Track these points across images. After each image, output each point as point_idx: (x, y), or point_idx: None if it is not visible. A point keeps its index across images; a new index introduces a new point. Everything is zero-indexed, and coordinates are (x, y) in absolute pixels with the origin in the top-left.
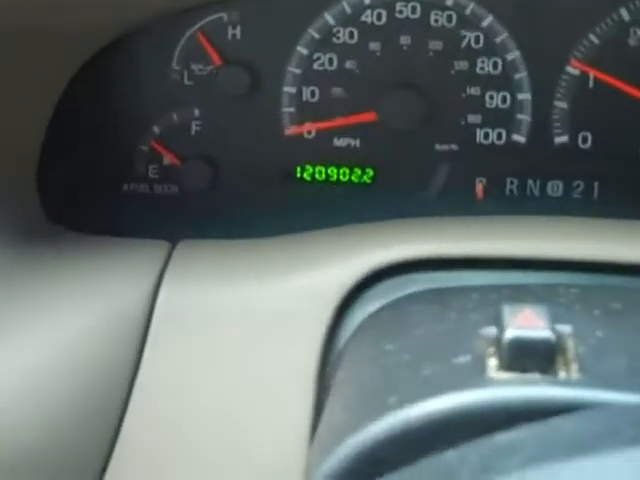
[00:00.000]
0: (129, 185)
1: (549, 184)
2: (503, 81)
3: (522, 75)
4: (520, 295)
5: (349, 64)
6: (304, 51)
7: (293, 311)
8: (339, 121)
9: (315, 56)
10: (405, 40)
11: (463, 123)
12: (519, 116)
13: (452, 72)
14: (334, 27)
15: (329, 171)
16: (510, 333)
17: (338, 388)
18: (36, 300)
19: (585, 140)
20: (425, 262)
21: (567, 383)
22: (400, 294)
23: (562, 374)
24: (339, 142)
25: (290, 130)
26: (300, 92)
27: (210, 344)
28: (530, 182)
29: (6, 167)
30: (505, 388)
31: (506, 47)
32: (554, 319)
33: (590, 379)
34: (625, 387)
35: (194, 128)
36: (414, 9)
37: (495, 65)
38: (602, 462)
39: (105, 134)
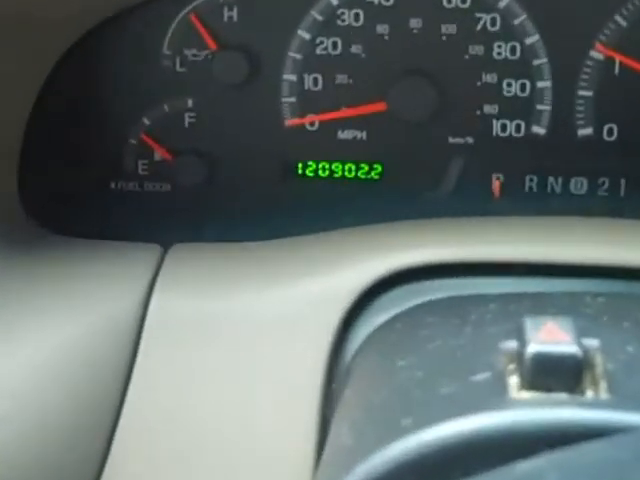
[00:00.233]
0: (117, 183)
1: (572, 181)
2: (522, 67)
3: (542, 61)
4: (542, 305)
5: (355, 49)
6: (306, 35)
7: (296, 321)
8: (344, 112)
9: (318, 40)
10: (416, 23)
11: (478, 114)
12: (539, 106)
13: (466, 58)
14: (338, 8)
15: (333, 167)
16: (532, 348)
17: (345, 407)
18: (19, 309)
19: (611, 132)
20: (438, 268)
21: (595, 404)
22: (412, 303)
23: (590, 394)
24: (344, 135)
25: (291, 122)
26: (302, 80)
27: (206, 357)
28: (551, 179)
29: None
30: (527, 410)
31: (525, 30)
32: (580, 332)
33: (620, 400)
34: None
35: (187, 120)
36: None
37: (513, 50)
38: None
39: (90, 127)
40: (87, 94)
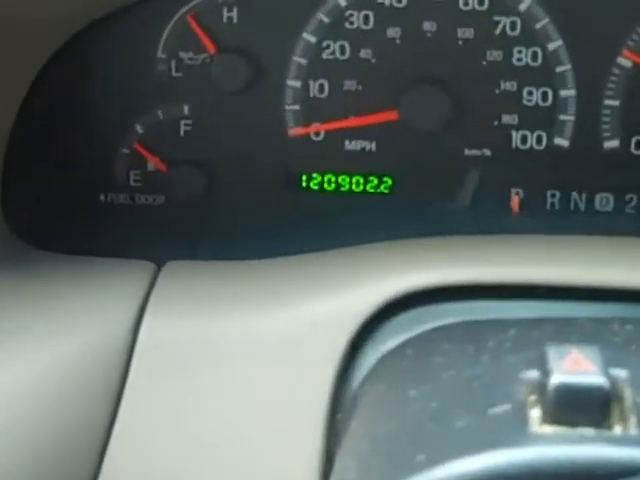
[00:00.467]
0: (107, 195)
1: (597, 197)
2: (544, 75)
3: (566, 68)
4: (566, 332)
5: (364, 54)
6: (311, 38)
7: (298, 346)
8: (352, 121)
9: (324, 44)
10: (430, 26)
11: (496, 124)
12: (562, 116)
13: (484, 64)
14: (347, 10)
15: (340, 180)
16: (556, 379)
17: (351, 439)
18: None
19: (639, 145)
20: (453, 290)
21: (624, 440)
22: (424, 328)
23: (618, 429)
24: (352, 146)
25: (295, 131)
26: (307, 86)
27: (200, 383)
28: (574, 194)
29: None
30: (550, 446)
31: (547, 35)
32: (608, 362)
33: None
34: None
35: (183, 128)
36: None
37: (534, 56)
38: None
39: (79, 135)
40: (75, 100)
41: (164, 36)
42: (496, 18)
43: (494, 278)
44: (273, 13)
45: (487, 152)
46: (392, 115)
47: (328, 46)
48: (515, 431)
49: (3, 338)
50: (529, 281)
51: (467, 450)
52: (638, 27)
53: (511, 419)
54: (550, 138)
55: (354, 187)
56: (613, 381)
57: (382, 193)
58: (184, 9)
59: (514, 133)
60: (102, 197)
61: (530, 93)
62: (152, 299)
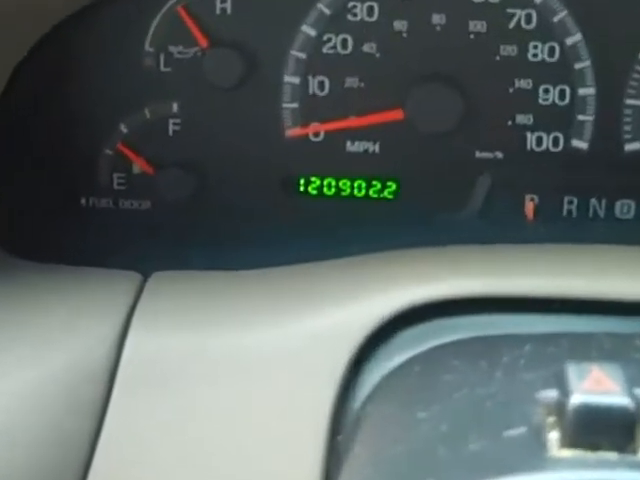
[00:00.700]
0: (88, 199)
1: (618, 204)
2: (561, 72)
3: (585, 64)
4: (586, 348)
5: (368, 48)
6: (311, 31)
7: (296, 362)
8: (354, 121)
9: (325, 37)
10: (439, 19)
11: (510, 125)
12: (580, 116)
13: (497, 60)
14: (349, 1)
15: (341, 184)
16: (576, 399)
17: (354, 465)
18: None
19: None
20: (463, 303)
21: None
22: (433, 343)
23: None
24: (354, 147)
25: (292, 131)
26: (305, 83)
27: (189, 403)
28: (594, 201)
29: None
30: (570, 471)
31: (565, 29)
32: (631, 381)
33: None
34: None
35: (172, 127)
36: None
37: (551, 51)
38: None
39: (59, 135)
40: (55, 96)
41: (152, 28)
42: (510, 10)
43: (507, 290)
44: (270, 4)
45: (499, 155)
46: (397, 114)
47: (329, 40)
48: (532, 455)
49: None
50: (545, 294)
51: (480, 476)
52: None
53: (527, 442)
54: (567, 140)
55: (356, 192)
56: (638, 401)
57: (386, 199)
58: (174, 0)
59: (529, 134)
60: (83, 202)
61: (546, 91)
62: (137, 312)
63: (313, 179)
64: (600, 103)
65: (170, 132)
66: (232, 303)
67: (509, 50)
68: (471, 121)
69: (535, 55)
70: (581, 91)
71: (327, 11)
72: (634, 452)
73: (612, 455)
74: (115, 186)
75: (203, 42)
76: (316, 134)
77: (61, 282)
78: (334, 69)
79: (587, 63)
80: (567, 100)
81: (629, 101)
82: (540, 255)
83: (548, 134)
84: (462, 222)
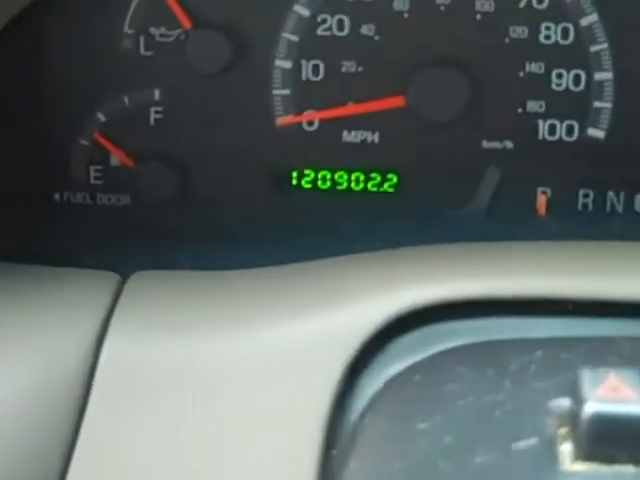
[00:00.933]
0: (63, 194)
1: (637, 197)
2: (576, 55)
3: (602, 47)
4: (602, 353)
5: (366, 30)
6: (304, 11)
7: (287, 371)
8: (352, 108)
9: (319, 18)
10: None
11: (520, 112)
12: (597, 103)
13: (506, 42)
14: None
15: (337, 177)
16: (590, 408)
17: None
18: None
19: None
20: (468, 305)
21: None
22: (436, 349)
23: None
24: (351, 137)
25: (284, 120)
26: (298, 67)
27: (172, 416)
28: (611, 194)
29: None
30: None
31: (580, 8)
32: None
33: None
34: None
35: (153, 116)
36: None
37: (565, 33)
38: None
39: (30, 124)
40: (27, 82)
41: (132, 8)
42: None
43: (517, 291)
44: None
45: (509, 145)
46: (398, 101)
47: (324, 20)
48: (543, 469)
49: None
50: (558, 295)
51: None
52: None
53: (538, 455)
54: (583, 128)
55: (353, 185)
56: None
57: (386, 192)
58: None
59: (541, 123)
60: (57, 197)
61: (560, 76)
62: (115, 316)
63: (307, 172)
64: (618, 88)
65: (151, 121)
66: (218, 306)
67: (519, 31)
68: (478, 109)
69: (547, 37)
70: (597, 76)
71: None
72: None
73: (629, 469)
74: (92, 180)
75: (187, 23)
76: (310, 123)
77: (33, 284)
78: (329, 52)
79: (604, 45)
80: (582, 85)
81: None
82: (553, 253)
83: (561, 122)
84: (468, 218)
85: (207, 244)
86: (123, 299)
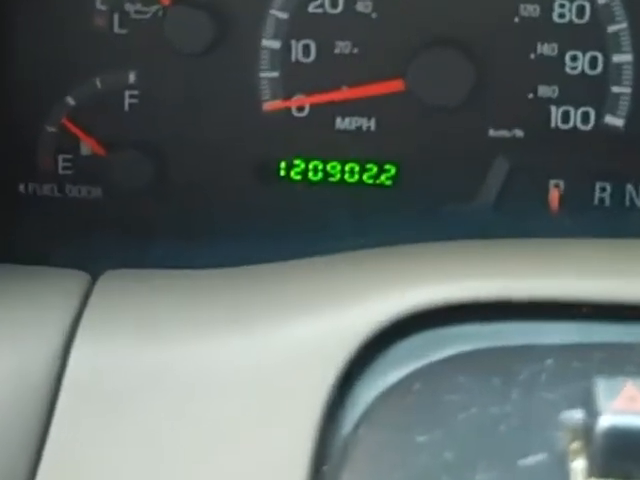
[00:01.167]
0: (28, 185)
1: None
2: (592, 35)
3: (620, 27)
4: (618, 361)
5: (362, 7)
6: None
7: (274, 379)
8: (346, 93)
9: None
10: None
11: (531, 98)
12: (615, 88)
13: (516, 21)
14: None
15: (329, 168)
16: (606, 421)
17: None
18: None
19: None
20: (473, 308)
21: None
22: (436, 356)
23: None
24: (345, 124)
25: (271, 105)
26: (287, 48)
27: (146, 427)
28: (630, 187)
29: None
30: None
31: None
32: None
33: None
34: None
35: (128, 100)
36: None
37: (580, 11)
38: None
39: None
40: None
41: None
42: None
43: (526, 293)
44: None
45: (519, 133)
46: (397, 85)
47: None
48: None
49: None
50: (571, 297)
51: None
52: None
53: (548, 472)
54: (600, 116)
55: (347, 177)
56: None
57: (383, 185)
58: None
59: (553, 109)
60: (22, 188)
61: (574, 58)
62: (85, 319)
63: (296, 162)
64: (638, 72)
65: (126, 106)
66: (196, 308)
67: (530, 10)
68: (484, 94)
69: (561, 15)
70: (615, 58)
71: None
72: None
73: None
74: (60, 170)
75: None
76: (300, 109)
77: None
78: (322, 31)
79: (623, 25)
80: (599, 69)
81: None
82: (565, 252)
83: (576, 109)
84: (474, 214)
85: (186, 240)
86: (93, 301)
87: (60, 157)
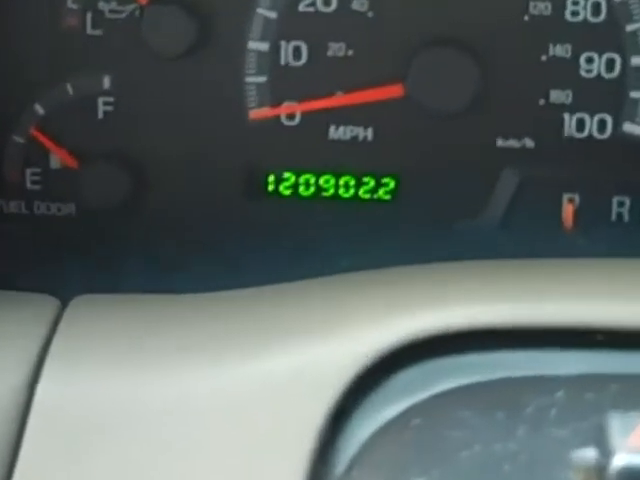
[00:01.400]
0: None
1: None
2: (608, 35)
3: (639, 26)
4: (634, 394)
5: (358, 5)
6: None
7: (259, 416)
8: (340, 99)
9: None
10: None
11: (542, 104)
12: (634, 93)
13: (525, 20)
14: None
15: (322, 181)
16: (620, 460)
17: None
18: None
19: None
20: (477, 336)
21: None
22: (436, 390)
23: None
24: (339, 133)
25: (259, 113)
26: (276, 50)
27: (113, 458)
28: None
29: None
30: None
31: None
32: None
33: None
34: None
35: (102, 108)
36: None
37: (596, 9)
38: None
39: None
40: None
41: None
42: None
43: (535, 319)
44: None
45: (529, 143)
46: (396, 90)
47: None
48: None
49: None
50: (584, 323)
51: None
52: None
53: None
54: (617, 124)
55: (342, 192)
56: None
57: (381, 200)
58: None
59: (567, 117)
60: None
61: (590, 60)
62: (53, 348)
63: (286, 175)
64: None
65: (100, 114)
66: (174, 337)
67: (541, 7)
68: (491, 99)
69: (575, 13)
70: (634, 60)
71: None
72: None
73: None
74: (28, 185)
75: None
76: (290, 116)
77: None
78: (314, 32)
79: None
80: (616, 72)
81: None
82: (580, 273)
83: (592, 116)
84: (480, 231)
85: (164, 262)
86: (62, 328)
87: (28, 171)
